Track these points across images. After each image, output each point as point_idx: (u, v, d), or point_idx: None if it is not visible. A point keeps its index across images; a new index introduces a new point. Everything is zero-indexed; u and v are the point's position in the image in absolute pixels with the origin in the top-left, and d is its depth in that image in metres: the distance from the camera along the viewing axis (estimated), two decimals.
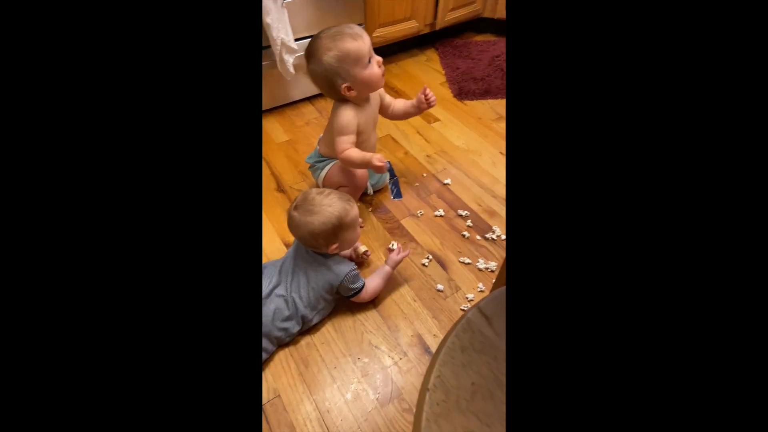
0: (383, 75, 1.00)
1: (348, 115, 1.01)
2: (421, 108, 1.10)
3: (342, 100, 1.01)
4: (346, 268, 0.90)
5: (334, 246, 0.88)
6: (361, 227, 1.16)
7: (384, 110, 1.14)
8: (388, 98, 1.14)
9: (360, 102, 1.03)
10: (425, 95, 1.07)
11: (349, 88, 0.97)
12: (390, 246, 0.98)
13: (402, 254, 0.98)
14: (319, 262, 0.90)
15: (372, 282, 0.96)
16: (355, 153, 1.01)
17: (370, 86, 0.99)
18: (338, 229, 0.86)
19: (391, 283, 1.03)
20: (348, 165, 1.03)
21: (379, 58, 0.98)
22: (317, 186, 1.16)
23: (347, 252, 1.05)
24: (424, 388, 0.33)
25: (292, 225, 0.88)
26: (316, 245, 0.89)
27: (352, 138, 1.02)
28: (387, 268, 0.98)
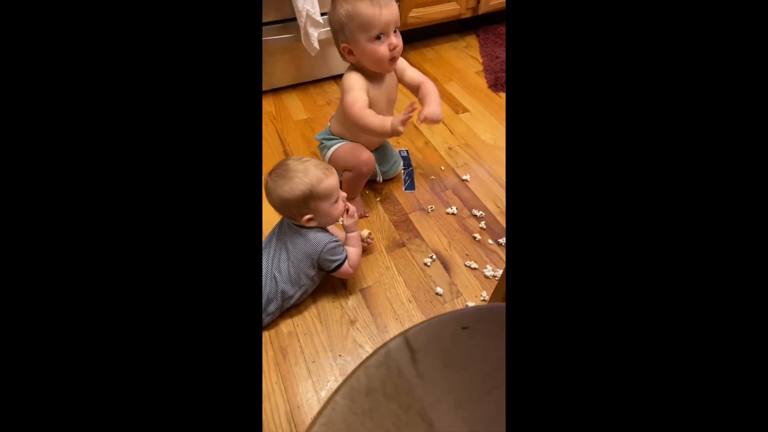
0: (393, 60, 0.90)
1: (354, 77, 0.93)
2: (417, 105, 0.91)
3: (351, 66, 0.94)
4: (324, 238, 0.84)
5: (308, 217, 0.81)
6: (366, 216, 1.10)
7: (401, 78, 1.01)
8: (411, 72, 1.00)
9: (367, 71, 0.94)
10: (423, 117, 0.92)
11: (349, 51, 0.89)
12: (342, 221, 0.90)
13: (354, 215, 0.89)
14: (297, 233, 0.85)
15: (350, 252, 0.89)
16: (370, 114, 0.87)
17: (370, 61, 0.90)
18: (309, 198, 0.79)
19: (387, 280, 0.97)
20: (362, 127, 0.89)
21: (395, 42, 0.87)
22: None
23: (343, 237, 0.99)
24: None
25: (266, 191, 0.82)
26: (289, 214, 0.83)
27: (362, 96, 0.90)
28: (350, 234, 0.89)
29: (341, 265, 0.87)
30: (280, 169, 0.81)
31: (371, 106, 0.94)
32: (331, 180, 0.81)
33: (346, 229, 0.90)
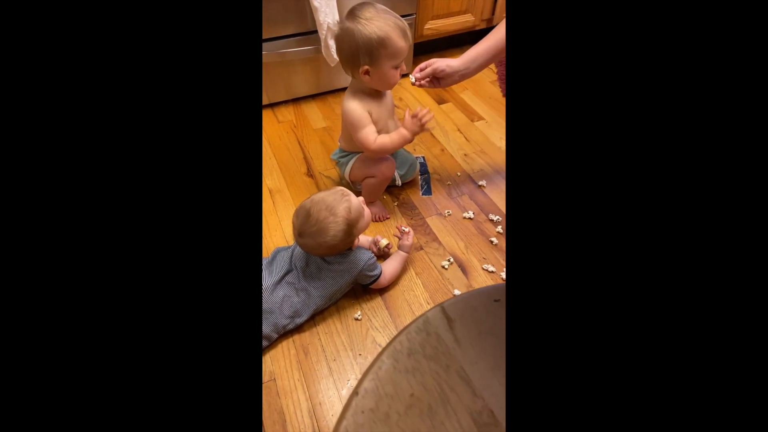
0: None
1: (356, 109, 0.96)
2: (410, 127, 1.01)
3: (352, 86, 0.98)
4: (364, 257, 0.88)
5: (356, 242, 0.87)
6: (387, 218, 1.12)
7: None
8: None
9: (369, 90, 0.98)
10: (419, 117, 0.95)
11: (366, 72, 0.92)
12: (402, 229, 0.97)
13: (411, 237, 0.97)
14: (337, 258, 0.88)
15: (389, 266, 0.94)
16: (387, 138, 0.97)
17: (384, 83, 0.95)
18: (350, 228, 0.83)
19: (406, 282, 0.98)
20: (387, 153, 1.00)
21: (404, 68, 0.95)
22: (345, 179, 1.13)
23: (366, 244, 1.01)
24: (353, 393, 0.28)
25: (307, 249, 0.85)
26: (339, 250, 0.87)
27: (372, 127, 0.97)
28: (402, 254, 0.97)
29: (377, 279, 0.91)
30: (309, 226, 0.81)
31: (376, 120, 0.99)
32: (353, 200, 0.85)
33: (402, 248, 0.96)
